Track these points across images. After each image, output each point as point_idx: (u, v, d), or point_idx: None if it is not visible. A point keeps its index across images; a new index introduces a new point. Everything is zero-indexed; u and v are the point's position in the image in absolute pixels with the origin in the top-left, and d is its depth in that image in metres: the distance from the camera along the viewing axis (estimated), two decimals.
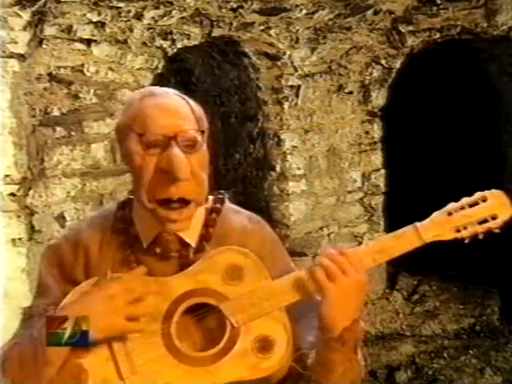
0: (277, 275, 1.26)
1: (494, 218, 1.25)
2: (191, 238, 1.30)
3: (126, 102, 1.37)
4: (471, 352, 4.00)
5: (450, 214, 1.24)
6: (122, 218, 1.34)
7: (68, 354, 1.19)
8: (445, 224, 1.24)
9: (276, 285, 1.23)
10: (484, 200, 1.26)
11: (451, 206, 1.26)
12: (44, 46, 3.19)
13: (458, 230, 1.24)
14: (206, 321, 1.24)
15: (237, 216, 1.38)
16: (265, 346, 1.20)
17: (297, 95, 4.34)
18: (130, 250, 1.30)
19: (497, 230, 1.25)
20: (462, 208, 1.25)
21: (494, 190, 1.27)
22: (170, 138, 1.21)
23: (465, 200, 1.26)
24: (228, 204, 1.39)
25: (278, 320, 1.21)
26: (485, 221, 1.25)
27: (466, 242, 1.25)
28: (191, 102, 1.31)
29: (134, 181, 1.27)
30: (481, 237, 1.25)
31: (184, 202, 1.24)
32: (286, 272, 1.29)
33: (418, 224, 1.24)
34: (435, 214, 1.25)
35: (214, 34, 3.78)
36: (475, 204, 1.25)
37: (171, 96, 1.29)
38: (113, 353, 1.19)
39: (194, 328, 1.23)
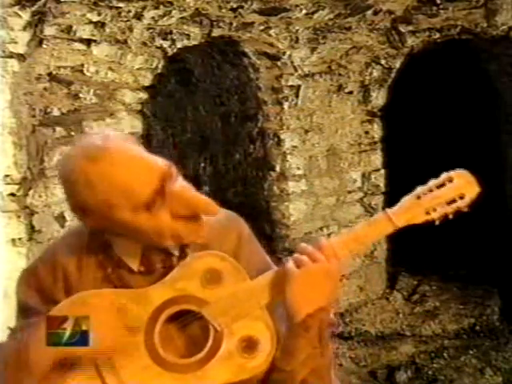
0: (253, 270, 1.27)
1: (461, 197, 1.26)
2: (175, 249, 1.30)
3: (66, 174, 1.19)
4: (471, 352, 3.99)
5: (418, 197, 1.26)
6: (96, 238, 1.30)
7: (52, 368, 1.18)
8: (415, 207, 1.25)
9: (255, 284, 1.24)
10: (450, 180, 1.27)
11: (419, 189, 1.27)
12: (44, 46, 3.19)
13: (428, 213, 1.25)
14: (188, 327, 1.24)
15: None
16: (250, 345, 1.20)
17: (297, 95, 4.34)
18: (110, 267, 1.29)
19: (465, 209, 1.27)
20: (430, 190, 1.26)
21: (459, 170, 1.29)
22: (162, 187, 1.18)
23: (432, 182, 1.28)
24: None
25: (260, 319, 1.22)
26: (453, 201, 1.26)
27: (437, 223, 1.27)
28: (122, 134, 1.29)
29: (137, 237, 1.23)
30: (451, 217, 1.26)
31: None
32: (263, 267, 1.30)
33: (388, 210, 1.26)
34: (404, 199, 1.27)
35: (213, 34, 3.78)
36: (442, 185, 1.27)
37: (116, 147, 1.19)
38: (98, 369, 1.19)
39: (177, 336, 1.24)
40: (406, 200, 1.27)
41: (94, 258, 1.30)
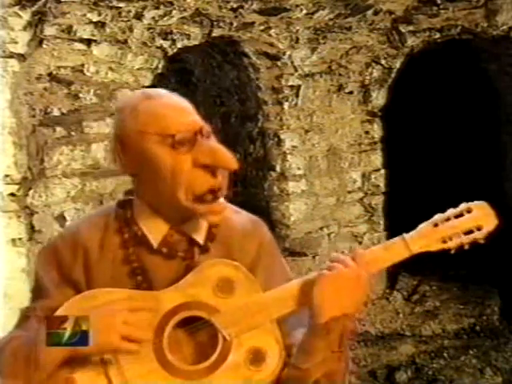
0: (271, 280, 1.28)
1: (479, 228, 1.27)
2: (199, 237, 1.31)
3: (120, 107, 1.32)
4: (471, 352, 4.00)
5: (436, 225, 1.27)
6: (123, 218, 1.32)
7: (60, 364, 1.18)
8: (431, 235, 1.26)
9: (267, 297, 1.24)
10: (469, 211, 1.28)
11: (437, 217, 1.28)
12: (44, 46, 3.19)
13: (445, 241, 1.26)
14: (197, 334, 1.24)
15: (237, 216, 1.38)
16: (257, 358, 1.20)
17: (297, 95, 4.34)
18: (132, 248, 1.29)
19: (482, 241, 1.27)
20: (448, 219, 1.27)
21: (478, 202, 1.30)
22: (194, 135, 1.23)
23: (450, 211, 1.29)
24: (227, 204, 1.38)
25: (269, 332, 1.22)
26: (470, 231, 1.27)
27: (452, 252, 1.27)
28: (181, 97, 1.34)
29: (159, 183, 1.24)
30: (466, 247, 1.27)
31: (214, 194, 1.24)
32: (281, 277, 1.31)
33: (406, 236, 1.26)
34: (422, 226, 1.28)
35: (214, 34, 3.78)
36: (460, 215, 1.28)
37: (171, 95, 1.31)
38: (105, 367, 1.19)
39: (185, 341, 1.24)
40: (423, 227, 1.27)
41: (117, 237, 1.31)
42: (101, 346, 1.18)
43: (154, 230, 1.29)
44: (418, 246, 1.25)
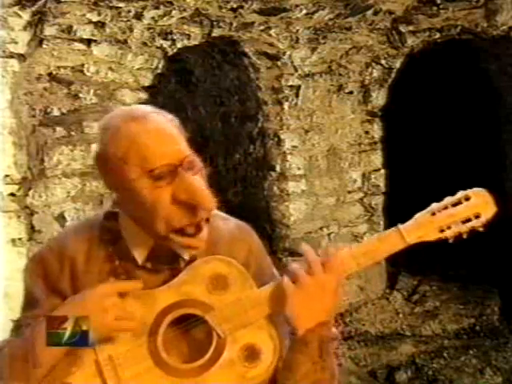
0: (264, 281, 1.27)
1: (477, 216, 1.23)
2: (185, 251, 1.28)
3: (104, 126, 1.25)
4: (471, 352, 3.99)
5: (433, 214, 1.23)
6: (109, 230, 1.30)
7: (56, 363, 1.18)
8: (428, 224, 1.23)
9: (261, 293, 1.23)
10: (467, 199, 1.24)
11: (434, 205, 1.24)
12: (44, 46, 3.19)
13: (442, 230, 1.23)
14: (192, 332, 1.23)
15: (224, 223, 1.37)
16: (251, 354, 1.20)
17: (297, 95, 4.34)
18: (118, 261, 1.28)
19: (481, 229, 1.24)
20: (446, 208, 1.24)
21: (476, 189, 1.26)
22: (176, 167, 1.18)
23: (448, 199, 1.25)
24: (215, 211, 1.35)
25: (263, 328, 1.21)
26: (468, 220, 1.23)
27: (450, 241, 1.24)
28: (169, 116, 1.27)
29: (139, 211, 1.21)
30: (465, 236, 1.24)
31: (197, 226, 1.21)
32: (272, 278, 1.30)
33: (400, 226, 1.23)
34: (418, 215, 1.24)
35: (214, 34, 3.78)
36: (458, 203, 1.24)
37: (156, 118, 1.23)
38: (99, 368, 1.19)
39: (180, 339, 1.23)
40: (420, 216, 1.24)
41: (103, 250, 1.29)
42: (97, 329, 1.17)
43: (139, 245, 1.27)
44: (414, 236, 1.21)
